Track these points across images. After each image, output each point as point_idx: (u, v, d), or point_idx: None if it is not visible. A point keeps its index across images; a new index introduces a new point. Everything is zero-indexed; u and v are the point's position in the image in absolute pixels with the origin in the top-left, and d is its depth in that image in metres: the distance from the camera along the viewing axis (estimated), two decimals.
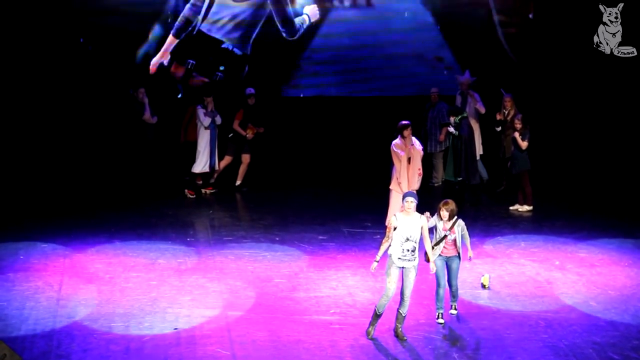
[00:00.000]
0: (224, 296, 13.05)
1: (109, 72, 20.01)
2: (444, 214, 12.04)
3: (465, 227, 12.22)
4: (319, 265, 14.37)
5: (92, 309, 12.48)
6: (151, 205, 17.79)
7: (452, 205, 12.12)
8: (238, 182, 18.86)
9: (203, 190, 18.57)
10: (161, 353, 11.16)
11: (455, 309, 12.48)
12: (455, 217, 12.17)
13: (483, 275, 13.62)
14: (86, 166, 19.79)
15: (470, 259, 12.41)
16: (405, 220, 11.54)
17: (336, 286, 13.51)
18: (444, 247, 12.11)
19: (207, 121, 18.18)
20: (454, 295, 12.42)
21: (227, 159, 18.89)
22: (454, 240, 12.13)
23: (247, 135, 18.64)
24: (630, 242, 15.68)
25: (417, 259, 11.57)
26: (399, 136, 15.51)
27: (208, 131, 18.26)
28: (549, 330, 12.07)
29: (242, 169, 18.89)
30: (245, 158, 18.85)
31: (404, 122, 15.63)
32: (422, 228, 11.60)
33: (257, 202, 18.15)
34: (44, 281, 13.44)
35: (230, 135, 18.73)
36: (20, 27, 19.69)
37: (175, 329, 11.87)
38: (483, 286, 13.50)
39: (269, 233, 16.01)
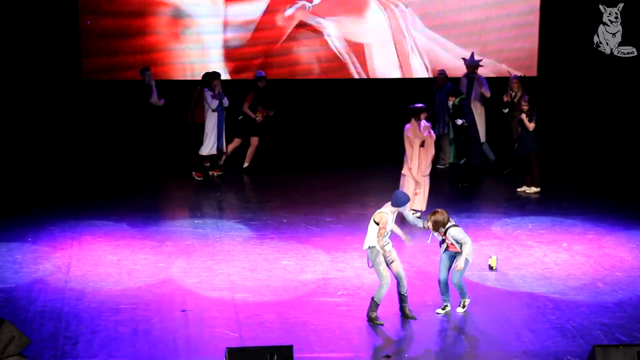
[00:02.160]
0: (231, 278, 13.07)
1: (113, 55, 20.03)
2: (429, 225, 11.76)
3: (457, 236, 11.71)
4: (326, 247, 14.37)
5: (100, 291, 12.51)
6: (159, 188, 17.81)
7: (435, 216, 11.69)
8: (246, 164, 18.84)
9: (211, 173, 18.57)
10: (169, 335, 11.19)
11: (464, 306, 11.98)
12: (447, 226, 11.71)
13: (490, 257, 13.62)
14: (93, 149, 19.80)
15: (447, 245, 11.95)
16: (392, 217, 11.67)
17: (343, 268, 13.52)
18: (449, 244, 11.92)
19: (214, 104, 18.15)
20: (460, 293, 11.99)
21: (236, 142, 18.88)
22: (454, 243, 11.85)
23: (257, 118, 18.61)
24: (637, 224, 15.65)
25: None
26: (412, 119, 15.42)
27: (215, 114, 18.23)
28: (557, 311, 12.07)
29: (251, 151, 18.87)
30: (254, 140, 18.83)
31: (417, 105, 15.55)
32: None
33: (265, 184, 18.14)
34: (52, 263, 13.48)
35: (239, 118, 18.71)
36: (22, 10, 19.69)
37: (183, 311, 11.90)
38: (490, 268, 13.50)
39: (276, 215, 16.01)
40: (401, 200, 11.67)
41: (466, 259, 11.69)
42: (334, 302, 12.26)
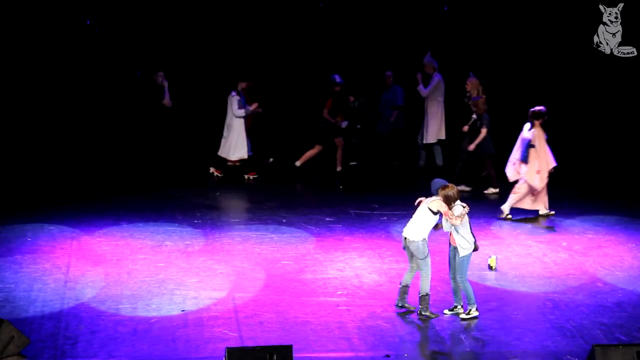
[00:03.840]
0: (231, 278, 13.07)
1: (117, 55, 20.01)
2: (439, 200, 11.67)
3: (456, 210, 11.61)
4: (326, 247, 14.38)
5: (100, 290, 12.50)
6: (158, 188, 17.80)
7: (446, 190, 11.57)
8: (339, 168, 18.63)
9: (246, 176, 18.37)
10: (169, 335, 11.18)
11: (468, 313, 11.74)
12: (456, 202, 11.63)
13: (490, 257, 13.61)
14: (95, 149, 19.80)
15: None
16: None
17: (343, 268, 13.52)
18: (450, 239, 11.83)
19: (240, 113, 17.98)
20: (466, 297, 11.80)
21: (317, 148, 18.64)
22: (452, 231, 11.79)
23: (339, 124, 18.41)
24: (637, 223, 15.67)
25: None
26: (536, 122, 15.55)
27: (241, 119, 18.06)
28: (556, 311, 12.07)
29: (340, 154, 18.68)
30: (339, 141, 18.67)
31: (541, 108, 15.66)
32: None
33: (264, 184, 18.14)
34: (52, 263, 13.47)
35: (321, 125, 18.48)
36: (26, 11, 19.69)
37: (183, 310, 11.90)
38: (490, 267, 13.50)
39: (275, 215, 16.02)
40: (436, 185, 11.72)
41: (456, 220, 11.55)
42: (334, 302, 12.26)
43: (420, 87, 18.92)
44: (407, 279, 11.86)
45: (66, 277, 12.96)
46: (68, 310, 11.80)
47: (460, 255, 11.69)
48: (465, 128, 17.40)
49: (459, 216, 11.50)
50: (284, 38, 20.98)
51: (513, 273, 13.40)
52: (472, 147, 17.16)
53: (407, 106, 19.69)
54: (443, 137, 19.14)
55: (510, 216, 15.81)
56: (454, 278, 11.84)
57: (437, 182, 11.80)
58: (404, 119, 19.73)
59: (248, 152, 18.31)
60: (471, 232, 11.68)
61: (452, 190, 11.59)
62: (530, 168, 15.71)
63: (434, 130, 18.99)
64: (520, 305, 12.28)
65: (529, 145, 15.74)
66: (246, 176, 18.49)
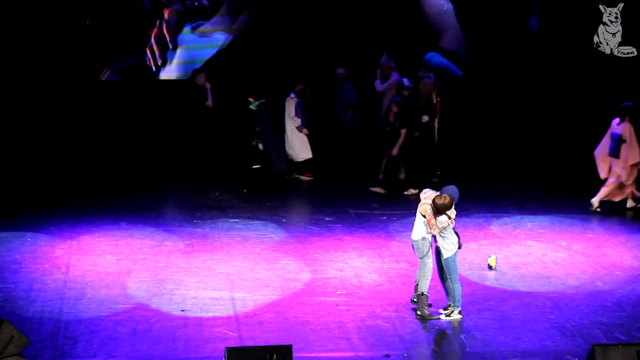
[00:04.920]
0: (231, 278, 13.07)
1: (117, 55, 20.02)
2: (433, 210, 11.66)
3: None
4: (325, 247, 14.37)
5: (99, 291, 12.50)
6: (158, 188, 17.79)
7: (438, 199, 11.55)
8: (381, 177, 18.37)
9: (304, 177, 18.23)
10: (168, 335, 11.19)
11: (444, 311, 11.80)
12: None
13: (490, 256, 13.62)
14: (94, 149, 19.77)
15: None
16: None
17: (343, 267, 13.52)
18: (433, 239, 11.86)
19: (297, 122, 17.87)
20: (447, 296, 11.87)
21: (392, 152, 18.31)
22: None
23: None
24: (637, 223, 15.67)
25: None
26: (627, 118, 15.65)
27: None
28: (556, 310, 12.07)
29: (385, 162, 18.26)
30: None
31: (630, 103, 15.76)
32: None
33: (264, 184, 18.14)
34: (52, 263, 13.47)
35: (387, 129, 18.22)
36: (24, 10, 19.69)
37: (183, 310, 11.90)
38: (490, 267, 13.50)
39: (275, 215, 16.01)
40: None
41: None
42: (333, 302, 12.26)
43: (377, 82, 18.90)
44: (417, 276, 11.89)
45: (66, 277, 12.96)
46: (68, 310, 11.80)
47: (443, 257, 11.69)
48: (416, 134, 17.40)
49: (439, 227, 11.51)
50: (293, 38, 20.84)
51: (513, 273, 13.40)
52: (395, 150, 17.02)
53: (362, 103, 19.37)
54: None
55: (599, 209, 16.07)
56: (444, 279, 11.86)
57: (454, 190, 11.74)
58: (362, 115, 19.41)
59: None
60: (454, 231, 11.69)
61: (443, 200, 11.47)
62: (620, 162, 15.96)
63: None
64: (520, 304, 12.27)
65: (619, 139, 15.89)
66: (302, 177, 18.23)
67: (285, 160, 18.19)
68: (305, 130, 18.07)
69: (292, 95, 18.08)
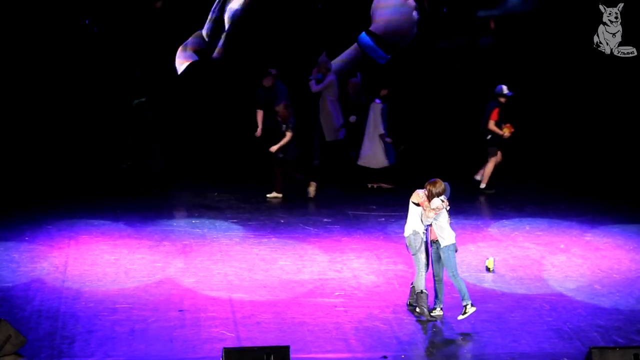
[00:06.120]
0: (228, 278, 13.08)
1: (118, 56, 19.99)
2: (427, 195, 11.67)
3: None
4: (323, 248, 14.38)
5: (97, 290, 12.50)
6: (157, 188, 17.77)
7: (429, 185, 11.59)
8: (483, 185, 18.02)
9: (385, 185, 17.96)
10: (166, 335, 11.19)
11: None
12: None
13: (488, 259, 13.62)
14: (93, 148, 19.76)
15: None
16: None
17: (341, 269, 13.53)
18: (431, 232, 11.86)
19: (381, 130, 17.49)
20: (460, 295, 11.77)
21: (494, 160, 17.87)
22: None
23: (504, 135, 17.89)
24: (635, 226, 15.66)
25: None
26: None
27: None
28: (554, 313, 12.08)
29: (490, 167, 17.91)
30: (499, 155, 18.07)
31: None
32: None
33: (263, 185, 18.12)
34: (50, 262, 13.47)
35: (488, 137, 17.98)
36: (23, 10, 19.69)
37: (180, 310, 11.90)
38: (488, 269, 13.51)
39: (273, 215, 16.02)
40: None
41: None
42: (331, 303, 12.26)
43: (312, 83, 18.73)
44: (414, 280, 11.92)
45: (64, 276, 12.96)
46: (65, 310, 11.80)
47: (442, 246, 11.64)
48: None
49: (433, 209, 11.48)
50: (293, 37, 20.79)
51: (510, 275, 13.41)
52: (274, 148, 16.88)
53: (296, 103, 19.12)
54: (341, 137, 18.82)
55: None
56: (438, 278, 11.85)
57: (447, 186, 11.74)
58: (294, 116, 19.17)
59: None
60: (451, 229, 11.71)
61: (434, 186, 11.50)
62: None
63: (330, 129, 18.66)
64: (518, 307, 12.27)
65: None
66: (384, 185, 17.83)
67: (161, 159, 17.86)
68: (388, 139, 17.82)
69: (378, 101, 17.71)
